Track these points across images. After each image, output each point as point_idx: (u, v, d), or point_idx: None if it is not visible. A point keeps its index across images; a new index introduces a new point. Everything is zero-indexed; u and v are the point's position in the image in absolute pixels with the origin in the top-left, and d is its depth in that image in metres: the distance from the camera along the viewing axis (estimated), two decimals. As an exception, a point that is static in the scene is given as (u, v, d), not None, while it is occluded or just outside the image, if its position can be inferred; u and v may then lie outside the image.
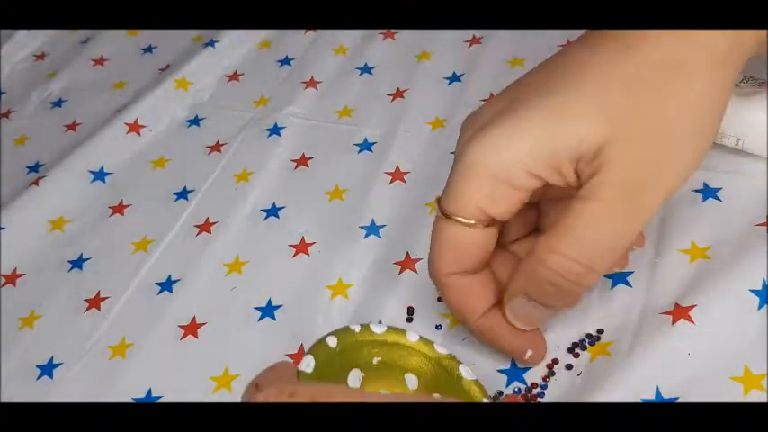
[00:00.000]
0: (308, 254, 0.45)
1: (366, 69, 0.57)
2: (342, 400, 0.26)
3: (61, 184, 0.53)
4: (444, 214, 0.34)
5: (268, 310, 0.43)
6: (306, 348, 0.40)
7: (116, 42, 0.66)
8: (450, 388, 0.34)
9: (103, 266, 0.48)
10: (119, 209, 0.51)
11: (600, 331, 0.37)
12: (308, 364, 0.31)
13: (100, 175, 0.54)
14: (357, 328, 0.34)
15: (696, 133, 0.33)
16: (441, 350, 0.35)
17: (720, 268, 0.37)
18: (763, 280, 0.35)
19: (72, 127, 0.59)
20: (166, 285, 0.45)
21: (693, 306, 0.35)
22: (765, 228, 0.38)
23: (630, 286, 0.38)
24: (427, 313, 0.40)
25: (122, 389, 0.41)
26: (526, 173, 0.32)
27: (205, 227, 0.48)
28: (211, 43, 0.61)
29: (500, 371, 0.37)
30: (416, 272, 0.42)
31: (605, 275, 0.38)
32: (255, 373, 0.32)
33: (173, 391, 0.40)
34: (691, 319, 0.35)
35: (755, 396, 0.33)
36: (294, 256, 0.45)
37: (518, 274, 0.34)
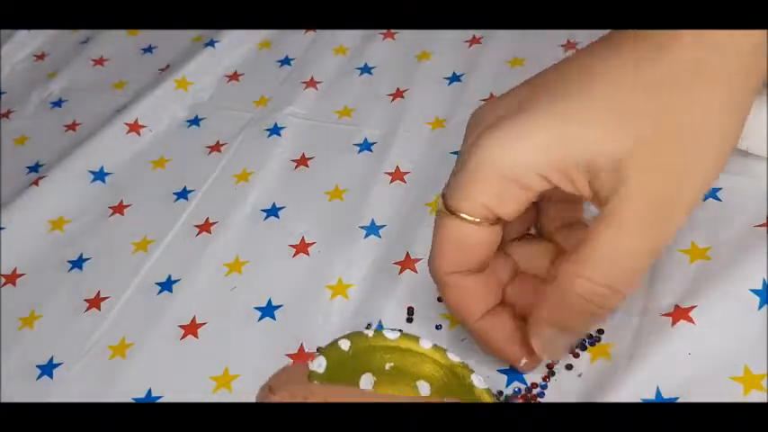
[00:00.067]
0: (308, 254, 0.45)
1: (366, 69, 0.57)
2: (357, 401, 0.26)
3: (61, 184, 0.53)
4: (449, 210, 0.33)
5: (268, 310, 0.43)
6: (305, 348, 0.40)
7: (116, 42, 0.66)
8: (462, 396, 0.34)
9: (103, 266, 0.48)
10: (119, 209, 0.51)
11: (600, 332, 0.37)
12: (319, 365, 0.31)
13: (100, 175, 0.54)
14: (370, 333, 0.34)
15: (719, 140, 0.31)
16: (453, 358, 0.35)
17: (720, 269, 0.37)
18: (764, 280, 0.35)
19: (72, 127, 0.59)
20: (166, 285, 0.45)
21: (693, 307, 0.35)
22: (765, 228, 0.38)
23: (630, 286, 0.38)
24: (427, 313, 0.40)
25: (122, 389, 0.41)
26: (536, 174, 0.32)
27: (205, 227, 0.48)
28: (211, 43, 0.61)
29: (500, 371, 0.37)
30: (416, 272, 0.42)
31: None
32: (255, 373, 0.32)
33: (173, 391, 0.40)
34: (691, 320, 0.35)
35: (755, 396, 0.33)
36: (294, 256, 0.45)
37: (542, 301, 0.34)
